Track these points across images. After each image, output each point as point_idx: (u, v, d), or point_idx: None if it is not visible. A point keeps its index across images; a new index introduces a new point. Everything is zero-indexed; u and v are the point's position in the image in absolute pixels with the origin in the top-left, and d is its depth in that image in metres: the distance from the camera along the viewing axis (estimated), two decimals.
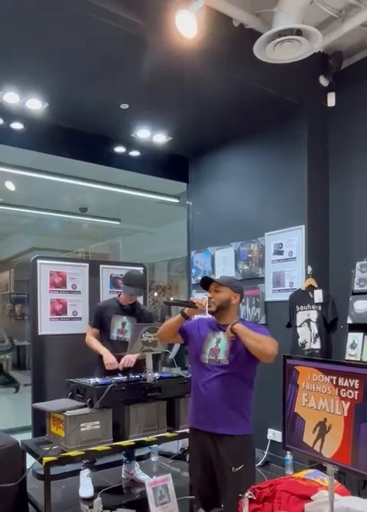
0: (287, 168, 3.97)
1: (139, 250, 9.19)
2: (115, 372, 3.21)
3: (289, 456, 3.51)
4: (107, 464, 3.74)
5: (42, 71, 3.30)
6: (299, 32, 2.78)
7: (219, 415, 2.28)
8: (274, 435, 3.92)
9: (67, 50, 3.05)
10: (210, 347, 2.34)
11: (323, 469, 1.66)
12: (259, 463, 3.89)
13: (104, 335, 3.48)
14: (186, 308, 2.40)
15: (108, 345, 3.41)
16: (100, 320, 3.48)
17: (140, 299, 3.82)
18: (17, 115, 3.88)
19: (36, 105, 3.75)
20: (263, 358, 2.18)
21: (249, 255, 4.28)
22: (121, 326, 3.48)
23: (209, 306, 2.35)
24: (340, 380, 1.47)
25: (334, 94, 3.79)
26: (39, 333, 3.92)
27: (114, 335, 3.46)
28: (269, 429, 3.98)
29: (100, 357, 3.35)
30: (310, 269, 3.72)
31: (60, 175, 5.67)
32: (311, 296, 3.66)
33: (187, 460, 2.68)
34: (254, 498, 1.75)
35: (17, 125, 3.98)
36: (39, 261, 3.98)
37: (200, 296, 2.87)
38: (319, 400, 1.53)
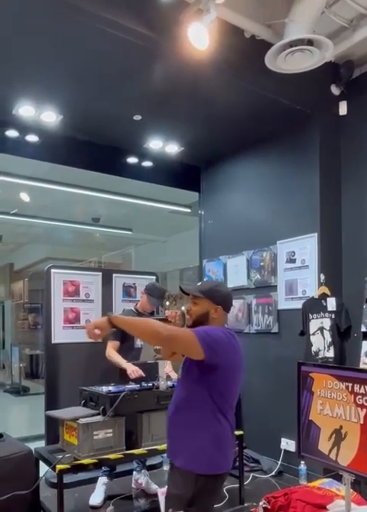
0: (299, 176, 3.97)
1: (151, 259, 9.23)
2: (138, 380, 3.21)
3: (303, 466, 3.46)
4: (120, 473, 3.73)
5: (57, 84, 3.37)
6: (310, 42, 2.81)
7: (169, 439, 1.99)
8: (288, 444, 3.88)
9: (82, 63, 3.11)
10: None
11: (339, 478, 1.64)
12: (272, 473, 3.85)
13: (127, 344, 3.47)
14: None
15: (133, 354, 3.41)
16: (121, 331, 3.49)
17: None
18: (32, 127, 3.96)
19: (51, 117, 3.82)
20: (161, 342, 1.87)
21: (261, 263, 4.28)
22: None
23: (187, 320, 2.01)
24: (356, 387, 1.46)
25: (346, 102, 3.80)
26: (52, 342, 3.95)
27: (139, 342, 3.47)
28: (282, 439, 3.94)
29: (121, 370, 3.35)
30: (322, 277, 3.70)
31: (73, 186, 5.76)
32: (324, 304, 3.64)
33: None
34: (269, 507, 1.74)
35: (32, 137, 4.05)
36: (53, 270, 4.02)
37: None
38: (334, 407, 1.52)
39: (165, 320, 2.13)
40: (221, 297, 1.97)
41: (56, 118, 3.83)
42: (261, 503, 1.73)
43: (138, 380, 3.18)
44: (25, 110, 3.68)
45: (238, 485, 3.31)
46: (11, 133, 3.94)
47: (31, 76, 3.24)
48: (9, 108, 3.64)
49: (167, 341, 1.82)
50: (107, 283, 4.29)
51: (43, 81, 3.32)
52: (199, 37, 2.76)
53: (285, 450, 3.91)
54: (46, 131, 4.03)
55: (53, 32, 2.77)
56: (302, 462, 3.39)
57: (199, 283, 2.09)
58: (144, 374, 3.20)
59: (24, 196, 6.61)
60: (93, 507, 3.24)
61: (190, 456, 1.83)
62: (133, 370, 3.19)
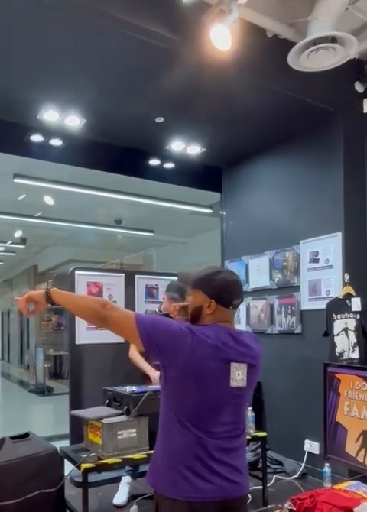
0: (323, 175, 3.92)
1: (173, 260, 9.25)
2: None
3: (327, 468, 3.40)
4: (143, 472, 3.74)
5: (81, 89, 3.42)
6: (334, 39, 2.77)
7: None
8: (311, 446, 3.83)
9: (105, 68, 3.15)
10: None
11: (366, 481, 1.61)
12: (296, 475, 3.81)
13: None
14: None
15: None
16: None
17: None
18: (56, 131, 4.03)
19: (74, 121, 3.88)
20: (99, 323, 1.53)
21: (284, 264, 4.24)
22: None
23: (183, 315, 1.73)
24: None
25: None
26: (76, 343, 4.00)
27: None
28: (306, 441, 3.89)
29: (144, 373, 3.36)
30: (347, 277, 3.64)
31: (96, 188, 5.83)
32: (349, 304, 3.58)
33: None
34: (294, 509, 1.72)
35: (56, 142, 4.12)
36: (77, 272, 4.08)
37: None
38: (362, 409, 1.49)
39: (168, 315, 1.86)
40: (214, 289, 1.61)
41: (79, 122, 3.89)
42: (286, 505, 1.71)
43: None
44: (50, 115, 3.74)
45: (261, 487, 3.30)
46: (36, 138, 4.02)
47: (56, 81, 3.29)
48: (34, 114, 3.72)
49: (105, 322, 1.50)
50: (129, 284, 4.32)
51: (68, 86, 3.37)
52: (221, 38, 2.76)
53: (309, 452, 3.86)
54: (69, 135, 4.10)
55: (77, 38, 2.82)
56: (326, 464, 3.33)
57: (201, 269, 1.71)
58: None
59: (48, 199, 6.73)
60: (117, 507, 3.27)
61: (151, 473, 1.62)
62: (155, 376, 3.20)
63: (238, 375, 1.55)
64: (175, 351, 1.49)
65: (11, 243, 10.38)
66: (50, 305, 1.62)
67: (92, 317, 1.54)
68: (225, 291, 1.61)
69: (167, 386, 1.57)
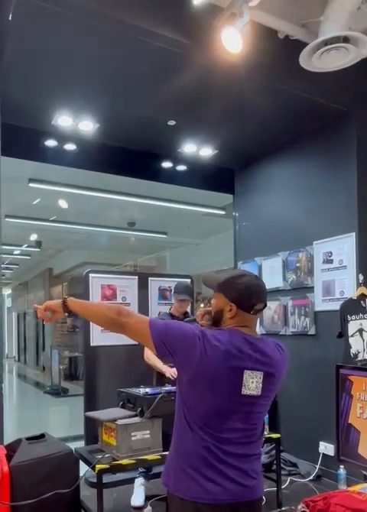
0: (336, 175, 3.90)
1: (186, 262, 9.28)
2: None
3: (342, 470, 3.38)
4: (157, 474, 3.76)
5: (94, 94, 3.47)
6: (346, 39, 2.75)
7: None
8: (326, 448, 3.80)
9: (118, 73, 3.19)
10: None
11: None
12: (311, 477, 3.78)
13: None
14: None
15: None
16: None
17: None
18: (70, 136, 4.08)
19: (88, 126, 3.92)
20: (116, 329, 1.56)
21: (297, 264, 4.22)
22: None
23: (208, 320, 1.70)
24: None
25: None
26: (91, 344, 4.04)
27: None
28: (321, 442, 3.86)
29: (159, 373, 3.38)
30: (361, 277, 3.61)
31: (110, 192, 5.90)
32: (363, 305, 3.55)
33: None
34: (308, 511, 1.72)
35: (70, 146, 4.17)
36: (91, 275, 4.12)
37: None
38: None
39: (194, 321, 1.85)
40: (235, 293, 1.57)
41: (92, 126, 3.93)
42: (299, 507, 1.71)
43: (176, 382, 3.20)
44: (64, 120, 3.80)
45: (275, 489, 3.28)
46: (51, 143, 4.08)
47: (69, 87, 3.34)
48: (48, 119, 3.78)
49: (121, 328, 1.55)
50: (143, 286, 4.36)
51: (81, 92, 3.42)
52: (232, 41, 2.75)
53: (324, 454, 3.83)
54: (83, 140, 4.15)
55: (90, 44, 2.85)
56: (341, 467, 3.31)
57: (223, 270, 1.70)
58: None
59: (63, 203, 6.81)
60: (135, 508, 3.29)
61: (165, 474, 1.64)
62: (171, 372, 3.22)
63: (252, 383, 1.52)
64: (186, 356, 1.49)
65: (27, 246, 10.53)
66: (66, 313, 1.67)
67: (107, 324, 1.58)
68: (247, 295, 1.57)
69: (180, 388, 1.58)
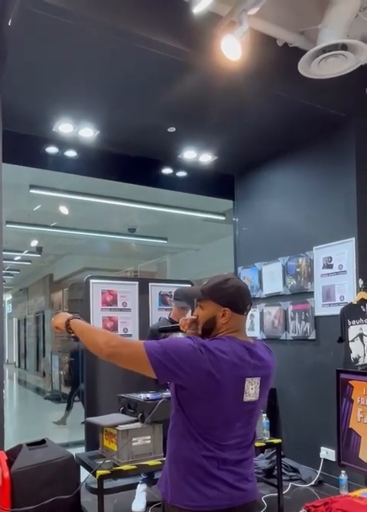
0: (335, 180, 3.92)
1: (186, 267, 9.29)
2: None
3: (344, 476, 3.38)
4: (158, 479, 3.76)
5: (94, 101, 3.49)
6: (344, 47, 2.78)
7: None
8: (327, 453, 3.79)
9: (118, 80, 3.22)
10: None
11: None
12: (312, 482, 3.77)
13: None
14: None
15: None
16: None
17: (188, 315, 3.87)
18: (70, 143, 4.11)
19: (88, 133, 3.95)
20: (106, 359, 1.54)
21: (297, 269, 4.23)
22: None
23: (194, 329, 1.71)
24: None
25: None
26: None
27: None
28: (322, 448, 3.85)
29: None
30: (361, 282, 3.62)
31: (110, 198, 5.91)
32: (363, 309, 3.56)
33: None
34: None
35: (70, 153, 4.20)
36: (92, 281, 4.13)
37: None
38: None
39: (178, 329, 1.85)
40: (226, 297, 1.57)
41: (93, 133, 3.96)
42: None
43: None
44: (64, 127, 3.83)
45: (276, 494, 3.27)
46: (51, 149, 4.10)
47: (70, 94, 3.37)
48: (49, 126, 3.80)
49: (112, 359, 1.51)
50: (143, 292, 4.36)
51: (82, 99, 3.45)
52: (232, 49, 2.78)
53: (325, 459, 3.82)
54: (83, 146, 4.18)
55: (91, 52, 2.88)
56: (343, 472, 3.30)
57: (207, 280, 1.66)
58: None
59: (63, 209, 6.84)
60: None
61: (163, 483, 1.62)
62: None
63: (252, 389, 1.53)
64: (189, 372, 1.45)
65: (28, 252, 10.54)
66: (70, 334, 1.66)
67: (98, 353, 1.53)
68: (239, 297, 1.58)
69: (179, 401, 1.54)
